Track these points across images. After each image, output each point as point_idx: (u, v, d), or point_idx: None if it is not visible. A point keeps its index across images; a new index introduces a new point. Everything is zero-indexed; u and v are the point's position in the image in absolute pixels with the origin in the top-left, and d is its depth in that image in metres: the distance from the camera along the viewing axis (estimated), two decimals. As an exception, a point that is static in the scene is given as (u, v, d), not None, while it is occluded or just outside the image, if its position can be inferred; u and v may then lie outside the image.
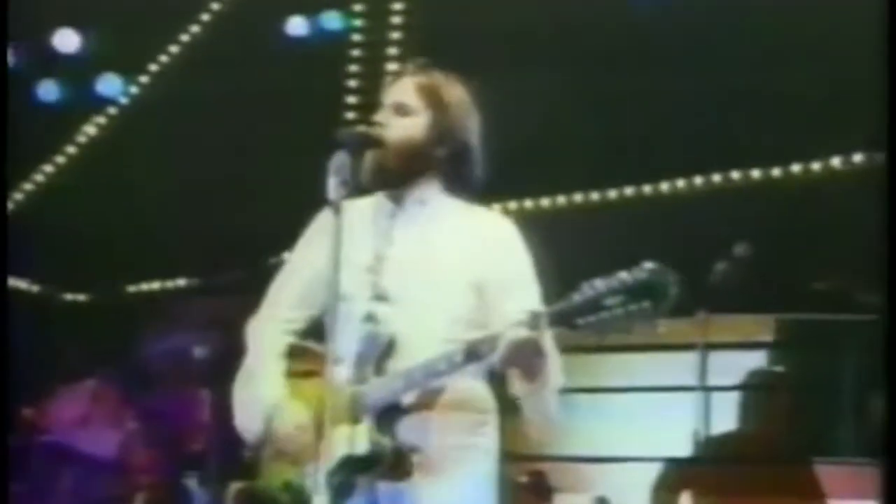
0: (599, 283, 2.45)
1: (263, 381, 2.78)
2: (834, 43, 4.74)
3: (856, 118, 4.76)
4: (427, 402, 2.65)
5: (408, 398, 2.65)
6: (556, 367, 2.60)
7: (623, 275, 2.44)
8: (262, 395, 2.76)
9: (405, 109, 2.74)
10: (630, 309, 2.42)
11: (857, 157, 4.95)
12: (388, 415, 2.63)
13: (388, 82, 2.81)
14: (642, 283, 2.41)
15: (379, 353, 2.65)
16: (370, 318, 2.68)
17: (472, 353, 2.56)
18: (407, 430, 2.65)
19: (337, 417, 2.59)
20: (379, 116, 2.75)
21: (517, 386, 2.60)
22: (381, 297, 2.69)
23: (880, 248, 3.17)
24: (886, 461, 2.93)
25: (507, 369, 2.58)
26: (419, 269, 2.71)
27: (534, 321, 2.49)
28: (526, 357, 2.52)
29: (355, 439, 2.61)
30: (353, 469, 2.61)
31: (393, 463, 2.62)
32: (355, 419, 2.62)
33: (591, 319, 2.44)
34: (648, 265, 2.43)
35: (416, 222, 2.75)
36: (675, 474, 4.46)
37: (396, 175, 2.74)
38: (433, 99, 2.73)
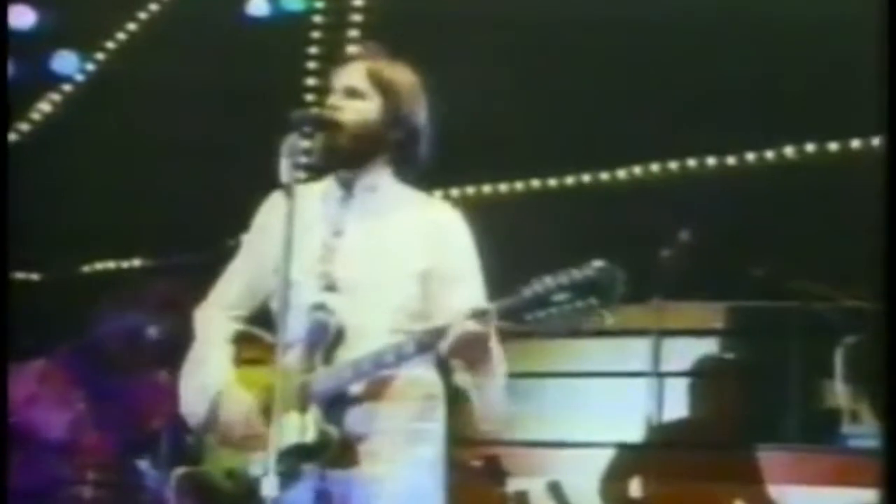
0: (548, 280, 2.48)
1: (209, 367, 2.77)
2: (797, 32, 4.78)
3: (809, 109, 4.81)
4: (374, 389, 2.66)
5: (355, 387, 2.65)
6: (499, 360, 2.62)
7: (572, 271, 2.47)
8: (207, 381, 2.76)
9: (356, 93, 2.75)
10: (577, 305, 2.45)
11: (809, 147, 5.00)
12: (336, 403, 2.63)
13: (338, 67, 2.81)
14: (590, 280, 2.45)
15: (327, 342, 2.65)
16: (318, 306, 2.68)
17: (422, 344, 2.58)
18: (354, 418, 2.65)
19: (284, 405, 2.58)
20: (331, 100, 2.75)
21: (462, 377, 2.62)
22: (329, 286, 2.69)
23: (870, 245, 3.22)
24: (887, 454, 2.98)
25: (453, 360, 2.59)
26: (368, 259, 2.71)
27: (482, 315, 2.51)
28: (472, 350, 2.54)
29: (303, 428, 2.61)
30: (300, 457, 2.62)
31: (339, 452, 2.62)
32: (303, 408, 2.62)
33: (539, 315, 2.47)
34: (596, 263, 2.47)
35: (365, 210, 2.76)
36: (627, 459, 4.50)
37: (349, 157, 2.74)
38: (383, 83, 2.75)
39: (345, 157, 2.74)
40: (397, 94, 2.74)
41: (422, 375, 2.71)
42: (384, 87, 2.74)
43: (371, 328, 2.65)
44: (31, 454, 4.04)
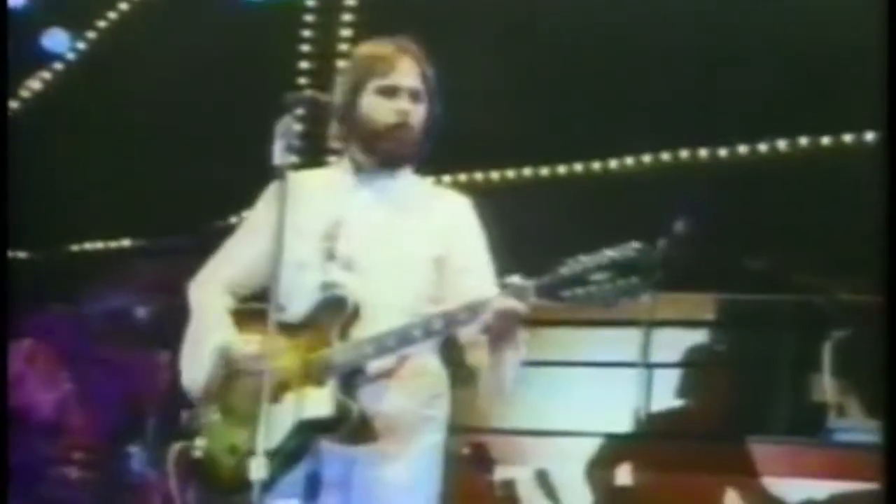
0: (585, 259, 2.54)
1: (212, 333, 2.77)
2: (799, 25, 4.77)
3: (808, 101, 4.81)
4: (388, 370, 2.69)
5: (372, 365, 2.67)
6: (523, 338, 2.66)
7: (609, 252, 2.53)
8: (211, 342, 2.75)
9: (418, 96, 2.78)
10: (618, 284, 2.51)
11: (803, 140, 5.00)
12: (353, 379, 2.65)
13: (391, 60, 2.78)
14: (630, 260, 2.51)
15: (344, 318, 2.68)
16: (331, 285, 2.70)
17: (452, 321, 2.61)
18: (368, 396, 2.67)
19: (299, 381, 2.62)
20: (400, 104, 2.76)
21: (480, 356, 2.66)
22: (346, 266, 2.72)
23: (866, 238, 3.23)
24: (887, 449, 3.00)
25: (487, 337, 2.62)
26: (383, 241, 2.75)
27: (520, 292, 2.55)
28: (507, 327, 2.59)
29: (319, 401, 2.62)
30: (315, 431, 2.63)
31: (358, 425, 2.64)
32: (319, 382, 2.64)
33: (578, 292, 2.52)
34: (635, 244, 2.54)
35: (381, 195, 2.79)
36: (615, 449, 4.51)
37: (410, 158, 2.79)
38: (431, 87, 2.80)
39: (408, 158, 2.78)
40: (436, 95, 2.80)
41: (427, 363, 2.75)
42: (431, 91, 2.79)
43: (387, 308, 2.68)
44: (17, 433, 4.03)
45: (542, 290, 2.55)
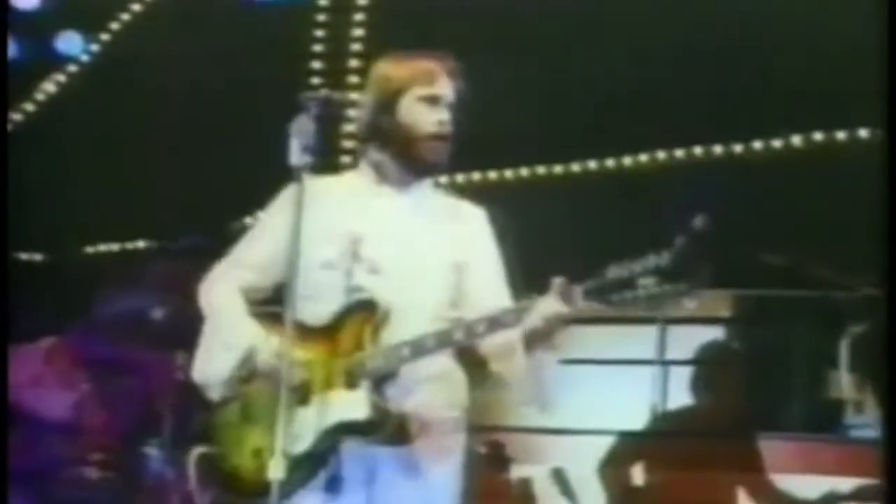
0: (633, 264, 2.55)
1: (233, 333, 2.76)
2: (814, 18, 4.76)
3: (823, 96, 4.80)
4: (416, 372, 2.70)
5: (405, 369, 2.69)
6: (563, 340, 2.69)
7: (654, 257, 2.54)
8: (234, 343, 2.74)
9: (452, 108, 2.82)
10: (665, 288, 2.51)
11: (818, 136, 4.99)
12: (385, 382, 2.67)
13: (434, 72, 2.82)
14: (676, 265, 2.52)
15: (375, 321, 2.69)
16: (357, 288, 2.72)
17: (496, 323, 2.62)
18: (400, 398, 2.69)
19: (329, 383, 2.63)
20: (442, 115, 2.80)
21: (504, 365, 2.67)
22: (371, 270, 2.73)
23: (872, 236, 3.22)
24: (887, 447, 3.00)
25: (524, 340, 2.64)
26: (407, 246, 2.77)
27: (567, 295, 2.56)
28: (551, 330, 2.60)
29: (352, 404, 2.63)
30: (349, 434, 2.64)
31: (396, 428, 2.66)
32: (351, 384, 2.64)
33: (626, 296, 2.53)
34: (679, 248, 2.55)
35: (403, 199, 2.82)
36: (631, 447, 4.50)
37: (442, 168, 2.83)
38: (460, 99, 2.83)
39: (441, 168, 2.83)
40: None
41: (447, 365, 2.77)
42: (460, 105, 2.82)
43: (413, 311, 2.71)
44: (35, 434, 4.05)
45: (591, 293, 2.56)
